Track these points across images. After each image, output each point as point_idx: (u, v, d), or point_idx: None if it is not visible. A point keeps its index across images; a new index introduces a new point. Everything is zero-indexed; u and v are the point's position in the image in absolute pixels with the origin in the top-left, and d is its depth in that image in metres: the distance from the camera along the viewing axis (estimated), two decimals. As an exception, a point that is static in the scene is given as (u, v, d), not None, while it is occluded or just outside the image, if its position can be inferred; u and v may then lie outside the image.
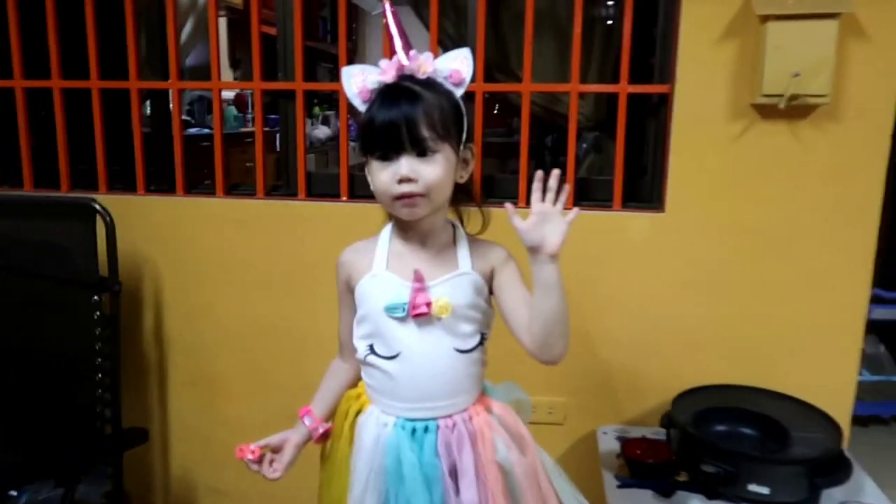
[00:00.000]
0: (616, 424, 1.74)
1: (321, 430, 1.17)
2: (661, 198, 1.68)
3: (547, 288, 0.95)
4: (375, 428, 1.06)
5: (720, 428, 1.54)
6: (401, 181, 0.98)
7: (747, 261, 1.65)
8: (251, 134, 4.08)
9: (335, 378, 1.22)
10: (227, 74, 4.36)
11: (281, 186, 1.91)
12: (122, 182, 1.95)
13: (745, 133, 1.59)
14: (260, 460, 1.16)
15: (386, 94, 0.99)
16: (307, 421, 1.18)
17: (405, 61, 1.01)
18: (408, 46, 1.02)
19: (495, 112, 3.86)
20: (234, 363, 1.91)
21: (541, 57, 1.78)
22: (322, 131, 4.65)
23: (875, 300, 2.36)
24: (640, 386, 1.74)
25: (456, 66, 1.02)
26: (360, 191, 1.83)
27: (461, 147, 1.03)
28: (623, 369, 1.73)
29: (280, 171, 1.92)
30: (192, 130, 3.71)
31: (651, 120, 1.72)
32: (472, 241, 1.10)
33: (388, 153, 0.98)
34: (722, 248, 1.65)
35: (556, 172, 0.96)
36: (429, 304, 1.00)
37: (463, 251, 1.07)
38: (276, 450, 1.18)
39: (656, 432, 1.66)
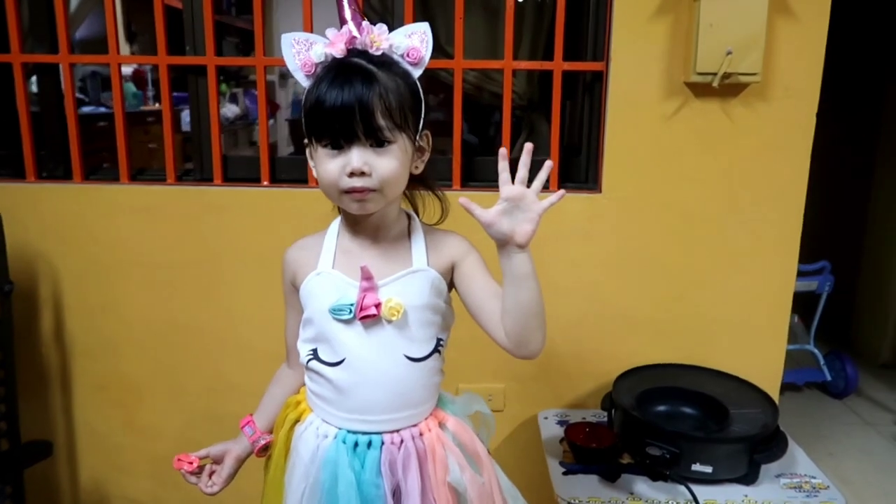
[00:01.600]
0: (556, 408, 1.72)
1: (262, 443, 1.06)
2: (597, 178, 1.65)
3: (519, 279, 0.86)
4: (314, 439, 0.95)
5: (661, 408, 1.54)
6: (352, 174, 0.87)
7: (679, 241, 1.65)
8: (152, 113, 3.86)
9: (280, 386, 1.10)
10: (122, 49, 4.03)
11: (193, 171, 1.75)
12: (9, 168, 1.74)
13: (678, 111, 1.58)
14: (198, 472, 1.06)
15: (336, 72, 0.87)
16: (248, 431, 1.07)
17: (356, 33, 0.89)
18: (359, 16, 0.90)
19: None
20: (146, 365, 1.76)
21: (471, 33, 1.70)
22: (230, 110, 4.39)
23: (789, 273, 2.46)
24: (578, 369, 1.72)
25: (414, 43, 0.91)
26: (283, 174, 1.70)
27: (417, 135, 0.93)
28: (561, 352, 1.71)
29: (191, 154, 1.76)
30: (86, 109, 3.41)
31: (585, 98, 1.68)
32: (429, 232, 0.99)
33: (339, 142, 0.87)
34: (656, 228, 1.65)
35: (529, 147, 0.85)
36: (378, 306, 0.90)
37: (418, 245, 0.96)
38: (217, 461, 1.07)
39: (597, 415, 1.66)
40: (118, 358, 1.75)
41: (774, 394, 1.64)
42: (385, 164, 0.88)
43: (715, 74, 1.50)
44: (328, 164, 0.88)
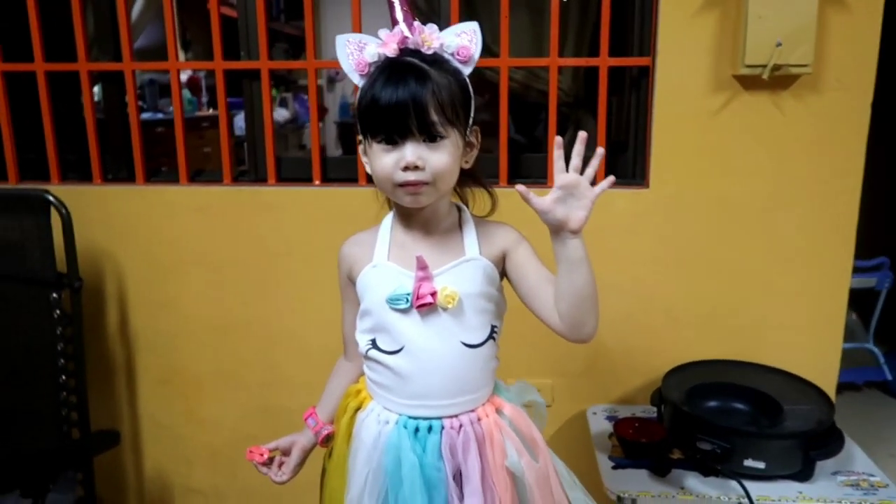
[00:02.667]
0: (605, 404, 1.72)
1: (325, 433, 1.11)
2: (644, 173, 1.65)
3: (573, 264, 0.88)
4: (376, 426, 0.99)
5: (712, 404, 1.52)
6: (406, 168, 0.90)
7: (729, 236, 1.63)
8: (206, 119, 3.98)
9: (339, 378, 1.15)
10: (179, 57, 4.17)
11: (247, 172, 1.81)
12: (76, 172, 1.83)
13: (727, 105, 1.56)
14: (269, 463, 1.11)
15: (391, 71, 0.90)
16: (311, 423, 1.12)
17: (408, 33, 0.92)
18: (410, 17, 0.93)
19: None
20: (205, 359, 1.83)
21: (516, 31, 1.72)
22: (280, 114, 4.50)
23: (846, 269, 2.40)
24: (627, 365, 1.72)
25: (463, 42, 0.93)
26: (334, 174, 1.75)
27: (467, 131, 0.96)
28: (609, 348, 1.71)
29: (245, 156, 1.83)
30: (145, 116, 3.54)
31: (631, 93, 1.68)
32: (479, 223, 1.02)
33: (393, 137, 0.91)
34: (704, 223, 1.63)
35: (582, 136, 0.87)
36: (434, 294, 0.93)
37: (470, 236, 0.99)
38: (286, 452, 1.13)
39: (646, 410, 1.65)
40: (179, 353, 1.82)
41: (830, 391, 1.61)
42: (437, 158, 0.91)
43: (764, 67, 1.48)
44: (383, 159, 0.92)
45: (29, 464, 1.40)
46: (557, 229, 0.88)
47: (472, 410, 0.99)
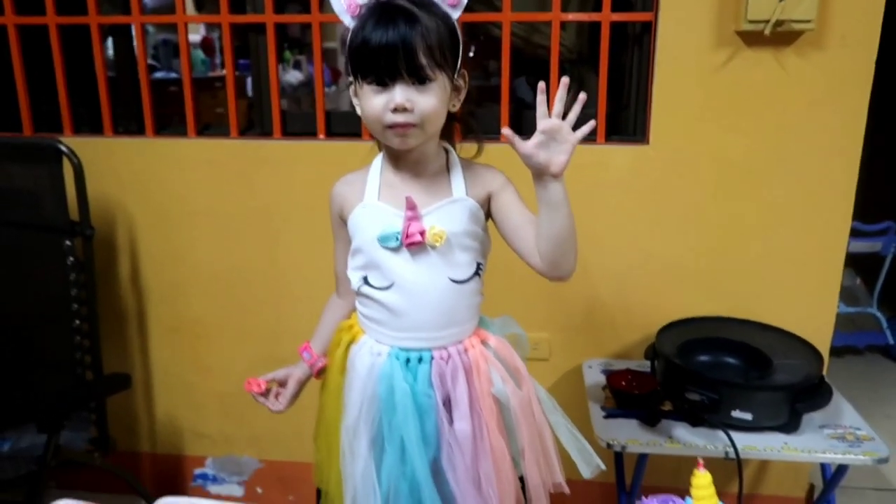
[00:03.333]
0: (600, 358, 1.75)
1: (320, 365, 1.15)
2: (644, 130, 1.66)
3: (554, 206, 0.92)
4: (369, 357, 1.04)
5: (704, 358, 1.55)
6: (395, 110, 0.93)
7: (728, 194, 1.64)
8: (220, 79, 4.00)
9: (332, 313, 1.19)
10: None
11: (254, 126, 1.84)
12: (88, 125, 1.87)
13: (729, 62, 1.56)
14: (266, 393, 1.16)
15: (381, 13, 0.92)
16: (306, 356, 1.17)
17: None
18: None
19: (471, 55, 3.76)
20: (214, 309, 1.88)
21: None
22: (294, 76, 4.49)
23: (852, 233, 2.39)
24: (623, 320, 1.75)
25: None
26: (338, 129, 1.77)
27: (455, 74, 0.98)
28: (606, 304, 1.74)
29: (253, 115, 1.86)
30: (158, 75, 3.57)
31: (633, 50, 1.68)
32: (466, 165, 1.06)
33: (383, 79, 0.93)
34: (704, 180, 1.64)
35: (565, 81, 0.89)
36: (422, 233, 0.97)
37: (457, 177, 1.03)
38: (282, 384, 1.18)
39: (641, 365, 1.68)
40: (188, 302, 1.88)
41: (823, 348, 1.63)
42: (426, 100, 0.94)
43: (767, 22, 1.47)
44: (373, 101, 0.94)
45: (44, 401, 1.46)
46: (539, 173, 0.91)
47: (460, 342, 1.04)
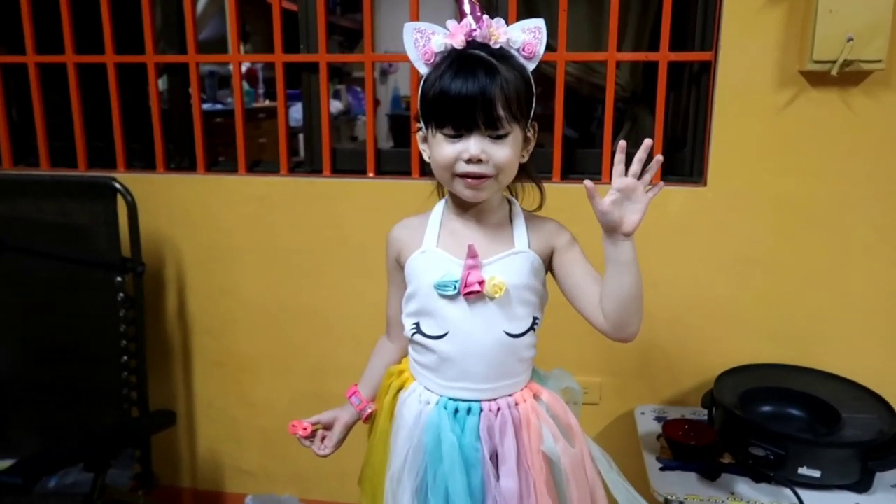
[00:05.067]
0: (654, 405, 1.69)
1: (369, 411, 1.13)
2: (701, 171, 1.62)
3: (622, 266, 0.91)
4: (417, 405, 1.01)
5: (766, 409, 1.49)
6: (469, 160, 0.92)
7: (791, 237, 1.59)
8: (263, 110, 4.07)
9: (381, 357, 1.17)
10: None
11: (304, 163, 1.85)
12: (140, 160, 1.90)
13: (792, 102, 1.52)
14: (311, 436, 1.14)
15: (461, 63, 0.91)
16: (354, 401, 1.15)
17: (476, 26, 0.93)
18: (478, 10, 0.94)
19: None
20: (259, 344, 1.88)
21: (574, 25, 1.70)
22: (334, 106, 4.55)
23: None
24: (677, 365, 1.69)
25: (529, 38, 0.94)
26: (388, 167, 1.77)
27: (528, 125, 0.97)
28: (661, 348, 1.68)
29: (301, 147, 1.86)
30: (205, 107, 3.63)
31: (691, 89, 1.64)
32: (530, 218, 1.04)
33: (460, 129, 0.92)
34: (764, 223, 1.59)
35: (647, 143, 0.88)
36: (482, 283, 0.95)
37: (520, 229, 1.01)
38: (327, 427, 1.16)
39: (695, 412, 1.62)
40: (234, 337, 1.88)
41: (893, 400, 1.55)
42: (501, 152, 0.92)
43: (834, 62, 1.43)
44: (446, 149, 0.93)
45: (92, 439, 1.46)
46: (611, 230, 0.89)
47: (510, 395, 1.00)
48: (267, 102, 4.31)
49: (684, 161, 1.67)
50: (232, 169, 1.82)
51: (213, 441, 1.97)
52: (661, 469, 1.43)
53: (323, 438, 1.15)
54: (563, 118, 1.66)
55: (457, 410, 0.99)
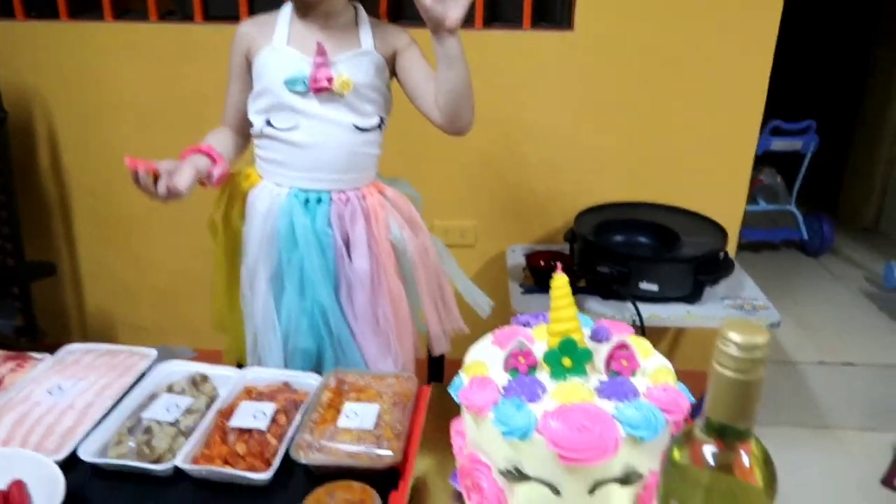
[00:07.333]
0: (524, 244, 1.81)
1: (223, 168, 1.04)
2: (570, 17, 1.66)
3: (451, 60, 0.96)
4: (268, 199, 1.05)
5: (617, 238, 1.63)
6: None
7: (651, 82, 1.68)
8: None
9: (218, 135, 1.14)
10: None
11: (175, 12, 1.78)
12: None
13: (654, -53, 1.57)
14: (154, 178, 0.99)
15: None
16: (210, 152, 1.03)
17: None
18: None
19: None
20: (142, 202, 1.84)
21: None
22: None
23: (775, 131, 2.48)
24: (548, 207, 1.80)
25: None
26: (260, 7, 1.72)
27: None
28: (531, 190, 1.78)
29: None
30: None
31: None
32: (375, 23, 1.07)
33: None
34: (629, 69, 1.67)
35: None
36: (330, 80, 0.99)
37: (366, 32, 1.04)
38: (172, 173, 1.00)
39: (563, 248, 1.75)
40: (117, 196, 1.84)
41: (733, 230, 1.71)
42: None
43: None
44: None
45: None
46: (436, 27, 0.94)
47: (358, 189, 1.07)
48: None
49: (554, 7, 1.71)
50: (98, 16, 1.73)
51: (103, 299, 1.98)
52: (523, 293, 1.56)
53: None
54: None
55: (307, 200, 1.04)
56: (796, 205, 2.63)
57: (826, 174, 2.90)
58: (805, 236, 2.64)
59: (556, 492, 0.59)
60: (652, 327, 1.45)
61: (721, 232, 1.60)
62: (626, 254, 1.50)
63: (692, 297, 1.51)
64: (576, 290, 1.52)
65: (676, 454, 0.48)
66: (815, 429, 1.83)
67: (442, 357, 1.24)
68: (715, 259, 1.52)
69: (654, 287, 1.48)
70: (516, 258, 1.73)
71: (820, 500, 1.59)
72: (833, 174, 3.07)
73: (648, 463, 0.59)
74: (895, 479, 1.64)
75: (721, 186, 1.77)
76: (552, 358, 0.65)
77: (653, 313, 1.47)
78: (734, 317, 1.47)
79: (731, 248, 1.73)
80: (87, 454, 0.71)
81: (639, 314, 1.44)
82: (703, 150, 1.73)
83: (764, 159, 2.41)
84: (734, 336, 0.42)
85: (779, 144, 2.46)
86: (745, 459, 0.46)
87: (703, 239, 1.57)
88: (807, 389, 1.99)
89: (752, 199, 2.59)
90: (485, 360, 0.68)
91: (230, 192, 1.13)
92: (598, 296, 1.53)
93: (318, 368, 1.06)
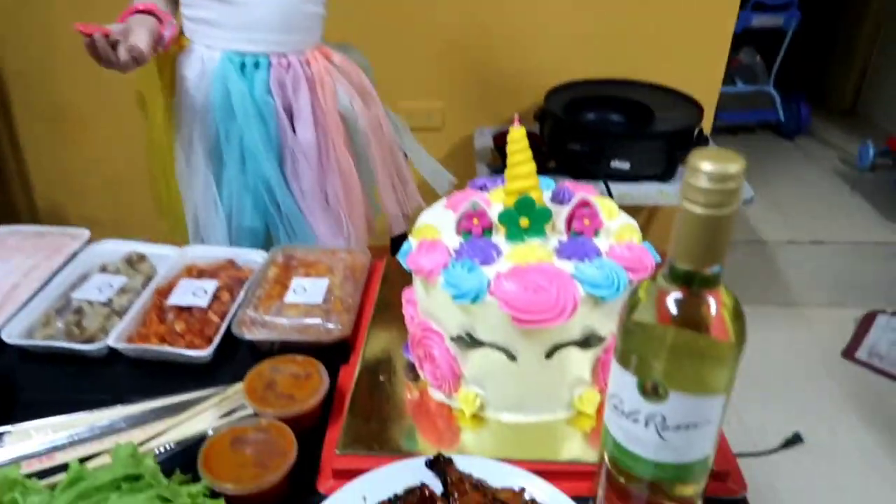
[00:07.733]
0: (492, 126, 1.74)
1: (172, 28, 0.91)
2: None
3: None
4: (199, 64, 0.94)
5: (589, 116, 1.56)
6: None
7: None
8: None
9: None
10: None
11: None
12: None
13: None
14: (112, 45, 0.86)
15: None
16: (154, 10, 0.89)
17: None
18: None
19: None
20: (86, 95, 1.73)
21: None
22: None
23: (755, 7, 2.36)
24: (517, 86, 1.71)
25: None
26: None
27: None
28: (499, 70, 1.69)
29: None
30: None
31: None
32: None
33: None
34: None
35: None
36: None
37: None
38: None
39: (532, 129, 1.68)
40: (58, 86, 1.72)
41: (708, 107, 1.65)
42: None
43: None
44: None
45: None
46: None
47: (301, 52, 0.96)
48: None
49: None
50: None
51: (53, 194, 1.89)
52: (491, 174, 1.50)
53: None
54: None
55: (243, 65, 0.93)
56: (774, 86, 2.55)
57: (807, 54, 2.80)
58: (781, 118, 2.58)
59: (512, 357, 0.55)
60: (623, 206, 1.40)
61: (696, 107, 1.54)
62: (597, 130, 1.44)
63: (665, 175, 1.46)
64: (545, 172, 1.48)
65: (636, 308, 0.43)
66: (781, 306, 1.84)
67: (404, 237, 1.19)
68: (689, 134, 1.46)
69: (625, 165, 1.43)
70: (485, 140, 1.66)
71: (783, 374, 1.62)
72: (814, 54, 2.97)
73: (609, 325, 0.56)
74: (856, 352, 1.68)
75: (698, 63, 1.68)
76: (508, 218, 0.60)
77: (624, 192, 1.42)
78: (707, 194, 1.43)
79: (707, 127, 1.67)
80: (12, 336, 0.66)
81: (609, 193, 1.40)
82: (681, 24, 1.64)
83: (744, 39, 2.31)
84: (705, 165, 0.37)
85: (760, 20, 2.35)
86: (714, 308, 0.42)
87: (678, 114, 1.51)
88: (775, 268, 2.00)
89: (729, 79, 2.50)
90: (435, 223, 0.63)
91: (157, 59, 0.97)
92: (568, 176, 1.47)
93: (267, 249, 0.99)
